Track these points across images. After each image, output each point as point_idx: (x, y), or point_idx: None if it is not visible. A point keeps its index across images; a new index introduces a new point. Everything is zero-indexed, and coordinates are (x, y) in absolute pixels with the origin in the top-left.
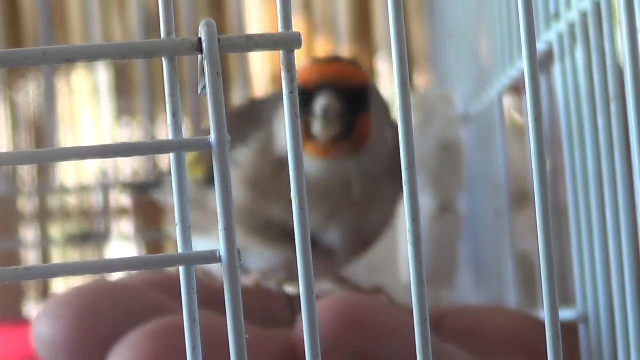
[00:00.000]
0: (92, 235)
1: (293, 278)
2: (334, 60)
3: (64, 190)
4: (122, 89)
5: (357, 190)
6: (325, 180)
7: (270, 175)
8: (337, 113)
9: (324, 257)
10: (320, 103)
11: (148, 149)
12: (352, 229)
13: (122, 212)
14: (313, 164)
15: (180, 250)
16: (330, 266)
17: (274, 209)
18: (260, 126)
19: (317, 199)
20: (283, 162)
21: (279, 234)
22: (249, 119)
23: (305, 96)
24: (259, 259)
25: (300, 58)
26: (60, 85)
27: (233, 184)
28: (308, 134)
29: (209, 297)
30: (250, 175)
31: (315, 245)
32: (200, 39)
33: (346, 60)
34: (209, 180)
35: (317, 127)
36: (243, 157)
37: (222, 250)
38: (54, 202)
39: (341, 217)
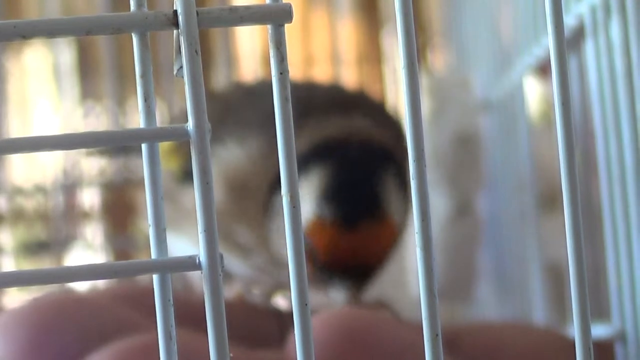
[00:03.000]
0: (50, 243)
1: (284, 285)
2: (354, 222)
3: (18, 190)
4: (86, 68)
5: None
6: None
7: (261, 183)
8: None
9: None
10: (336, 295)
11: (116, 138)
12: None
13: (86, 216)
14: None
15: (153, 255)
16: None
17: (239, 228)
18: (262, 128)
19: None
20: (272, 187)
21: (239, 250)
22: (245, 113)
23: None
24: (232, 266)
25: (295, 33)
26: (11, 65)
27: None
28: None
29: (187, 312)
30: (232, 178)
31: None
32: (175, 12)
33: (371, 212)
34: (186, 176)
35: (332, 297)
36: (232, 155)
37: (202, 256)
38: (4, 203)
39: None
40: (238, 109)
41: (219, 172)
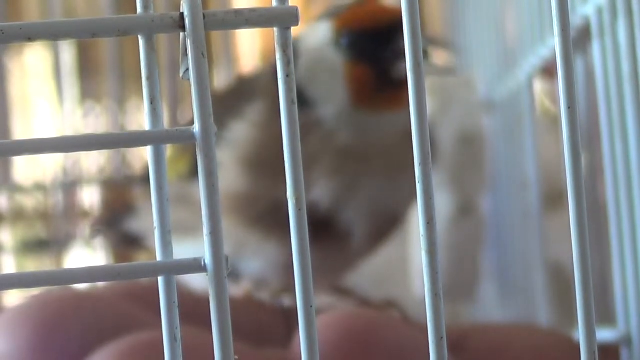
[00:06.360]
0: (50, 242)
1: (293, 285)
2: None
3: (18, 189)
4: (86, 69)
5: (399, 152)
6: (376, 138)
7: (276, 149)
8: None
9: (337, 246)
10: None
11: (122, 141)
12: (376, 204)
13: (86, 214)
14: (370, 119)
15: (159, 257)
16: (344, 258)
17: (283, 189)
18: (258, 96)
19: (344, 163)
20: None
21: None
22: (241, 93)
23: (374, 37)
24: (256, 257)
25: (295, 32)
26: (12, 64)
27: (227, 166)
28: (373, 84)
29: (191, 311)
30: (249, 153)
31: (330, 229)
32: (182, 15)
33: None
34: (193, 172)
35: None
36: (238, 133)
37: (208, 258)
38: (4, 202)
39: (365, 187)
40: (229, 94)
41: (233, 151)
